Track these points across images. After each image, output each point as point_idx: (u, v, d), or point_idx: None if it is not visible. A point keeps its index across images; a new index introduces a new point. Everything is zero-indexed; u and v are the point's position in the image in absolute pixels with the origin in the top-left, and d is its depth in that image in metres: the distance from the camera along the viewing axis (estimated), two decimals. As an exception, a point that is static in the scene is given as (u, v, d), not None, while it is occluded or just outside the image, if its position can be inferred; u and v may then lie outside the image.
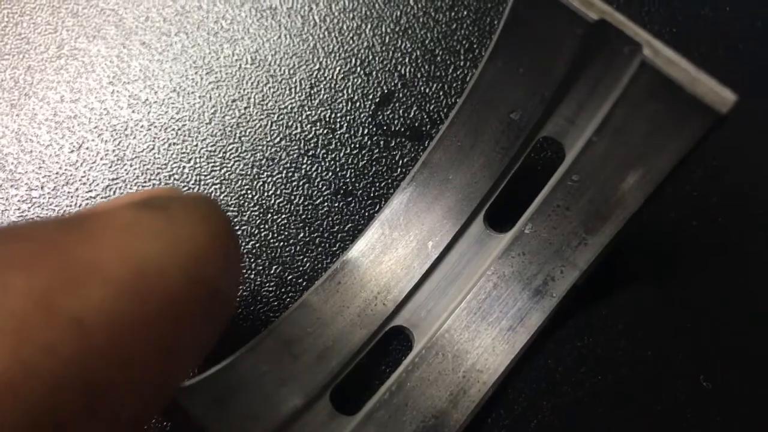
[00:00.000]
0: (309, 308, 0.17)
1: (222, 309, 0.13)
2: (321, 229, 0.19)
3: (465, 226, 0.18)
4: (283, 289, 0.19)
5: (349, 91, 0.20)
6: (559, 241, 0.17)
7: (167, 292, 0.11)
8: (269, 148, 0.20)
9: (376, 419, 0.16)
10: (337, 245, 0.19)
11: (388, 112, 0.20)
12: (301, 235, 0.19)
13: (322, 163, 0.20)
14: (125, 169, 0.20)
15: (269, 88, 0.20)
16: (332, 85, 0.20)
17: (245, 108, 0.20)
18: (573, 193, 0.17)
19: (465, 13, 0.21)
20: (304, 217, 0.19)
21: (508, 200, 0.18)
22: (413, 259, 0.18)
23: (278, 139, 0.20)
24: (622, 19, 0.15)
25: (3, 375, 0.09)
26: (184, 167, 0.20)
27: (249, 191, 0.19)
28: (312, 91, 0.20)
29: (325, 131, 0.20)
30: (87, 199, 0.19)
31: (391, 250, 0.18)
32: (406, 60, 0.21)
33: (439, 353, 0.17)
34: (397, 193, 0.18)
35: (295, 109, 0.20)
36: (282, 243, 0.19)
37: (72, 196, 0.19)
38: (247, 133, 0.20)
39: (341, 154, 0.20)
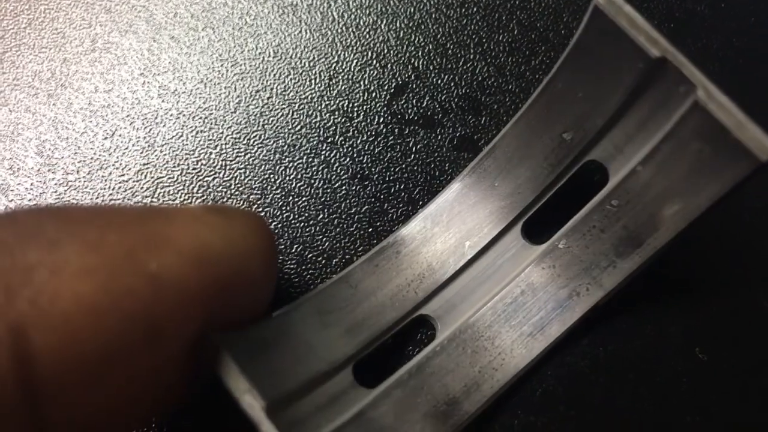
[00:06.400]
0: (346, 284, 0.18)
1: (257, 297, 0.16)
2: (339, 210, 0.20)
3: (502, 232, 0.19)
4: (303, 267, 0.20)
5: (366, 82, 0.22)
6: (589, 260, 0.18)
7: (219, 271, 0.14)
8: (291, 135, 0.21)
9: (393, 396, 0.17)
10: (354, 226, 0.20)
11: (402, 102, 0.21)
12: (321, 216, 0.20)
13: (340, 150, 0.21)
14: (155, 155, 0.21)
15: (291, 79, 0.22)
16: (350, 77, 0.22)
17: (268, 98, 0.21)
18: (610, 217, 0.18)
19: (475, 9, 0.22)
20: (323, 199, 0.20)
21: (547, 214, 0.19)
22: (449, 255, 0.19)
23: (299, 127, 0.21)
24: (682, 59, 0.15)
25: (93, 301, 0.12)
26: (210, 153, 0.21)
27: (272, 175, 0.21)
28: (331, 83, 0.22)
29: (343, 120, 0.21)
30: (120, 182, 0.21)
31: (430, 243, 0.19)
32: (419, 53, 0.22)
33: (460, 346, 0.18)
34: (443, 192, 0.19)
35: (315, 99, 0.21)
36: (302, 224, 0.20)
37: (106, 180, 0.21)
38: (270, 122, 0.21)
39: (358, 141, 0.21)
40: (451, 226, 0.19)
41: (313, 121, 0.21)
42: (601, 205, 0.18)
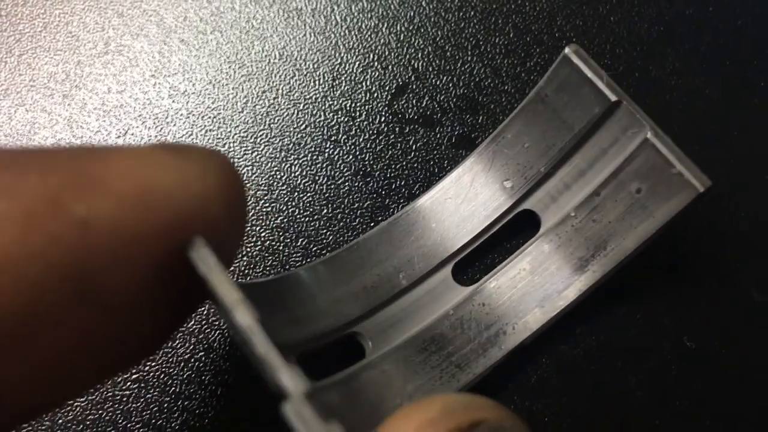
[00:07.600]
0: (292, 281, 0.19)
1: (222, 243, 0.14)
2: (342, 206, 0.21)
3: (433, 270, 0.20)
4: (308, 260, 0.21)
5: (368, 83, 0.23)
6: (517, 300, 0.19)
7: (168, 213, 0.12)
8: (296, 134, 0.22)
9: (337, 390, 0.18)
10: (357, 220, 0.21)
11: (402, 102, 0.22)
12: (325, 211, 0.21)
13: (344, 148, 0.22)
14: (166, 153, 0.22)
15: (295, 80, 0.23)
16: (352, 78, 0.23)
17: (274, 98, 0.22)
18: (540, 260, 0.19)
19: (472, 13, 0.23)
20: (327, 195, 0.21)
21: (479, 256, 0.20)
22: (385, 282, 0.20)
23: (304, 126, 0.22)
24: (635, 105, 0.18)
25: (8, 254, 0.10)
26: (219, 151, 0.22)
27: (278, 172, 0.22)
28: (334, 83, 0.23)
29: (345, 119, 0.22)
30: (132, 179, 0.22)
31: (367, 267, 0.20)
32: (419, 55, 0.23)
33: (392, 365, 0.18)
34: (383, 224, 0.20)
35: (319, 99, 0.22)
36: (307, 218, 0.21)
37: (119, 177, 0.22)
38: (276, 121, 0.22)
39: (360, 140, 0.22)
40: (388, 256, 0.20)
41: (317, 120, 0.22)
42: (532, 249, 0.19)
